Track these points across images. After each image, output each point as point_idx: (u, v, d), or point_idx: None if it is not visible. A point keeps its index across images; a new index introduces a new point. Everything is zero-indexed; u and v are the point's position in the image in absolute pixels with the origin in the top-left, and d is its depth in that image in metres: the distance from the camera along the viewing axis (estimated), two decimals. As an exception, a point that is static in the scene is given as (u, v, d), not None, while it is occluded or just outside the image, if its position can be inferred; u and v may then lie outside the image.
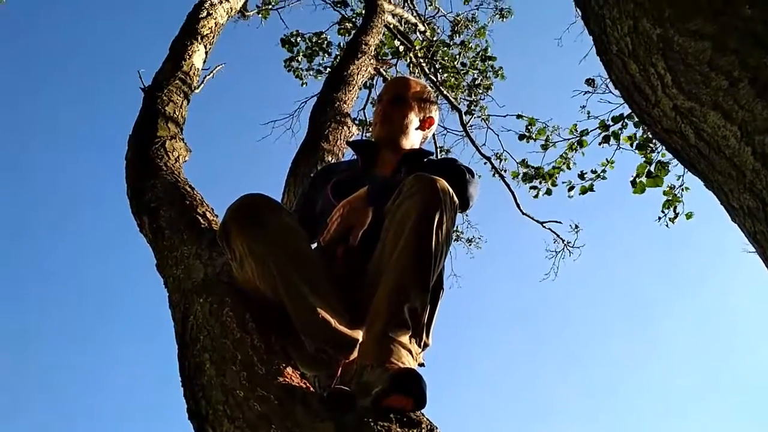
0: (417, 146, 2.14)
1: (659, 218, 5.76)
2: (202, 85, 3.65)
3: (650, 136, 5.18)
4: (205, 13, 3.69)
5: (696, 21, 1.09)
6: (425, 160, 2.06)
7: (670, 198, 5.60)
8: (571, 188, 6.18)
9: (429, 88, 2.23)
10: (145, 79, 3.08)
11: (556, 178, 6.44)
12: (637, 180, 5.20)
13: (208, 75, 3.82)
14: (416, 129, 2.13)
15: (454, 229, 1.69)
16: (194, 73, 3.30)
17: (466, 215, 7.51)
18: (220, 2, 3.88)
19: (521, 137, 6.58)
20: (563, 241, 7.33)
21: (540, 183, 6.59)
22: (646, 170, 5.23)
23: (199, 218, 2.05)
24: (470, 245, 7.99)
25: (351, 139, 3.70)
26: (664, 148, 5.43)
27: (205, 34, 3.55)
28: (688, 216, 5.66)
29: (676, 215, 5.68)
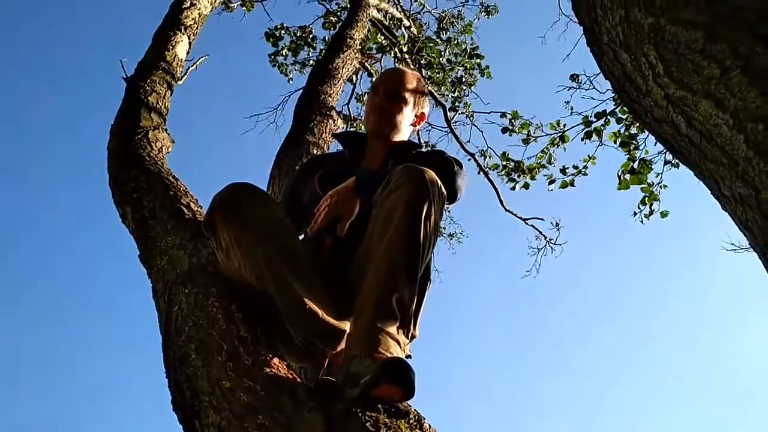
0: (404, 137, 2.13)
1: (635, 214, 5.82)
2: (186, 76, 3.60)
3: (635, 132, 5.21)
4: (188, 3, 3.64)
5: (688, 10, 1.09)
6: (413, 152, 2.05)
7: (647, 195, 5.64)
8: (551, 182, 6.23)
9: (423, 81, 2.21)
10: (128, 69, 3.04)
11: (536, 172, 6.48)
12: (622, 177, 5.24)
13: (192, 66, 3.77)
14: (409, 125, 2.13)
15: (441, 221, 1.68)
16: (177, 64, 3.27)
17: (449, 210, 7.53)
18: (204, -7, 3.83)
19: (504, 130, 6.63)
20: (545, 237, 7.38)
21: (519, 176, 6.62)
22: (630, 167, 5.27)
23: (183, 209, 2.03)
24: (452, 240, 8.01)
25: (337, 132, 3.68)
26: (646, 145, 5.46)
27: (188, 24, 3.51)
28: (663, 214, 5.71)
29: (651, 212, 5.73)
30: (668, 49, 1.10)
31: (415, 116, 2.14)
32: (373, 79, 6.58)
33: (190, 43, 3.48)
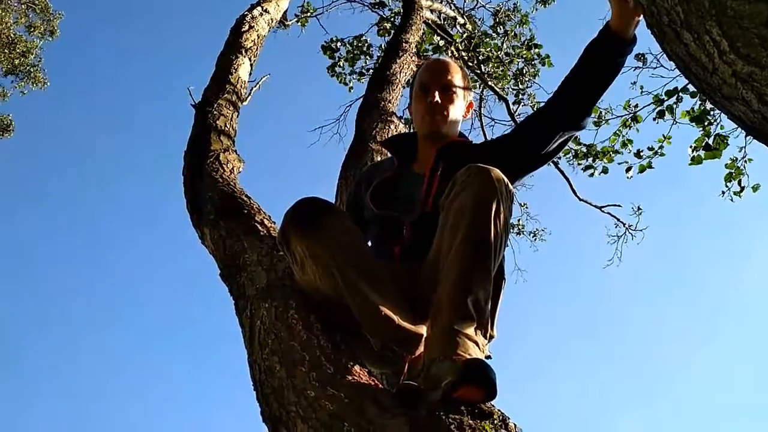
0: (457, 132, 2.08)
1: (723, 192, 5.55)
2: (250, 96, 3.72)
3: (709, 107, 4.99)
4: (247, 27, 3.76)
5: (750, -18, 1.05)
6: (468, 148, 2.02)
7: (732, 171, 5.38)
8: (628, 169, 5.99)
9: (465, 69, 2.16)
10: (195, 96, 3.16)
11: (611, 156, 6.24)
12: (695, 153, 5.02)
13: (255, 87, 3.89)
14: (461, 116, 2.08)
15: (511, 219, 1.65)
16: (241, 86, 3.37)
17: (527, 207, 7.44)
18: (261, 15, 3.95)
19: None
20: (624, 224, 7.17)
21: (594, 162, 6.40)
22: (704, 143, 5.05)
23: (258, 226, 2.09)
24: (535, 238, 7.90)
25: (384, 139, 3.69)
26: (722, 120, 5.21)
27: (248, 47, 3.62)
28: (755, 188, 5.42)
29: (742, 188, 5.45)
30: (732, 24, 1.06)
31: (465, 107, 2.10)
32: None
33: (251, 65, 3.59)
